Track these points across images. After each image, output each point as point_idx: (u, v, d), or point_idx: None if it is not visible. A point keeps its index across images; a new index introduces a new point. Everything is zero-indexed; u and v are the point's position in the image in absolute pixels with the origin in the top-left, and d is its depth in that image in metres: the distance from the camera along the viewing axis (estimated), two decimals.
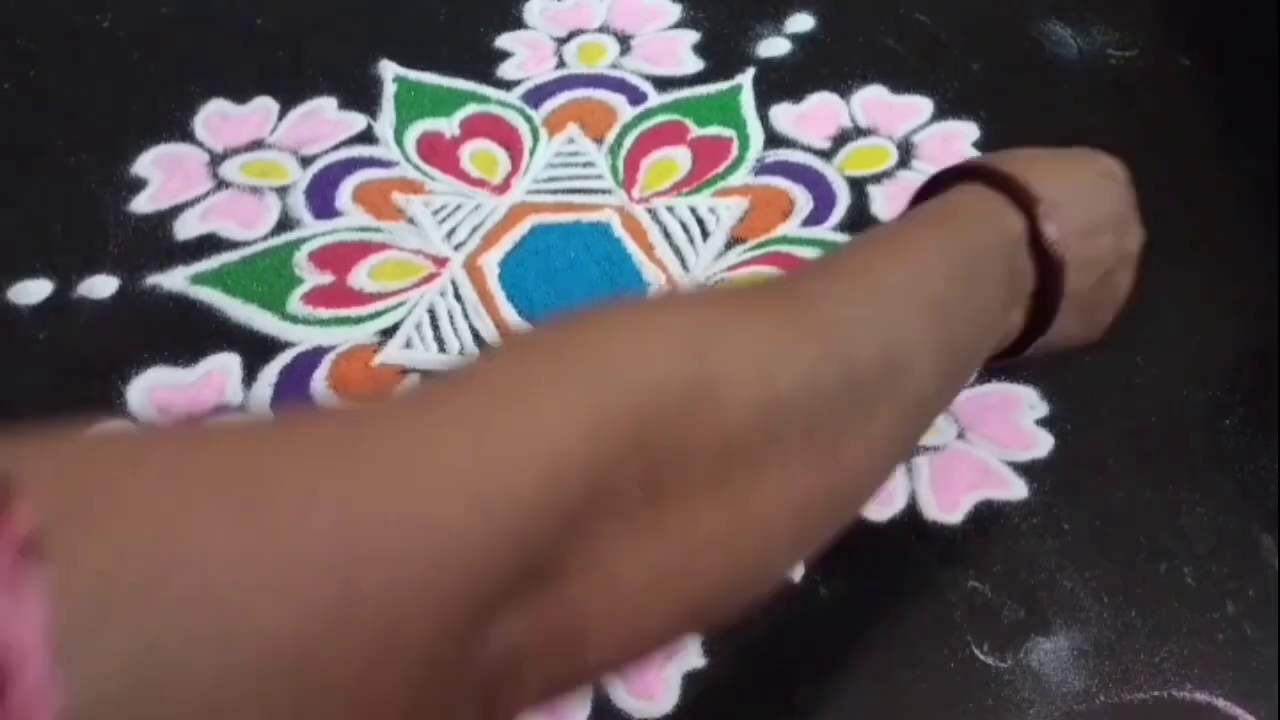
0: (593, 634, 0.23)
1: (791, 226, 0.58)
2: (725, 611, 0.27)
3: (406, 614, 0.19)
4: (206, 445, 0.20)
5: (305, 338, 0.55)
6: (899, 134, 0.63)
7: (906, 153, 0.62)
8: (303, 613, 0.18)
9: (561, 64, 0.67)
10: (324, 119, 0.64)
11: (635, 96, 0.65)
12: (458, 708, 0.21)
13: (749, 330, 0.27)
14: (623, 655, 0.25)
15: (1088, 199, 0.39)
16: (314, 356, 0.54)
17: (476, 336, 0.54)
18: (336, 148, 0.63)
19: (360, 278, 0.57)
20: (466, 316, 0.55)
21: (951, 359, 0.33)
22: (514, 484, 0.21)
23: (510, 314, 0.55)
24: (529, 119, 0.64)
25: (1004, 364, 0.40)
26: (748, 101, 0.64)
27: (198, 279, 0.57)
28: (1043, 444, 0.50)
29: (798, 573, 0.46)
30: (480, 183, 0.61)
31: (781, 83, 0.65)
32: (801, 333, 0.28)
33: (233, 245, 0.58)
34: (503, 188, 0.61)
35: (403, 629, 0.19)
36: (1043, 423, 0.51)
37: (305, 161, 0.62)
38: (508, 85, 0.66)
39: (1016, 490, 0.49)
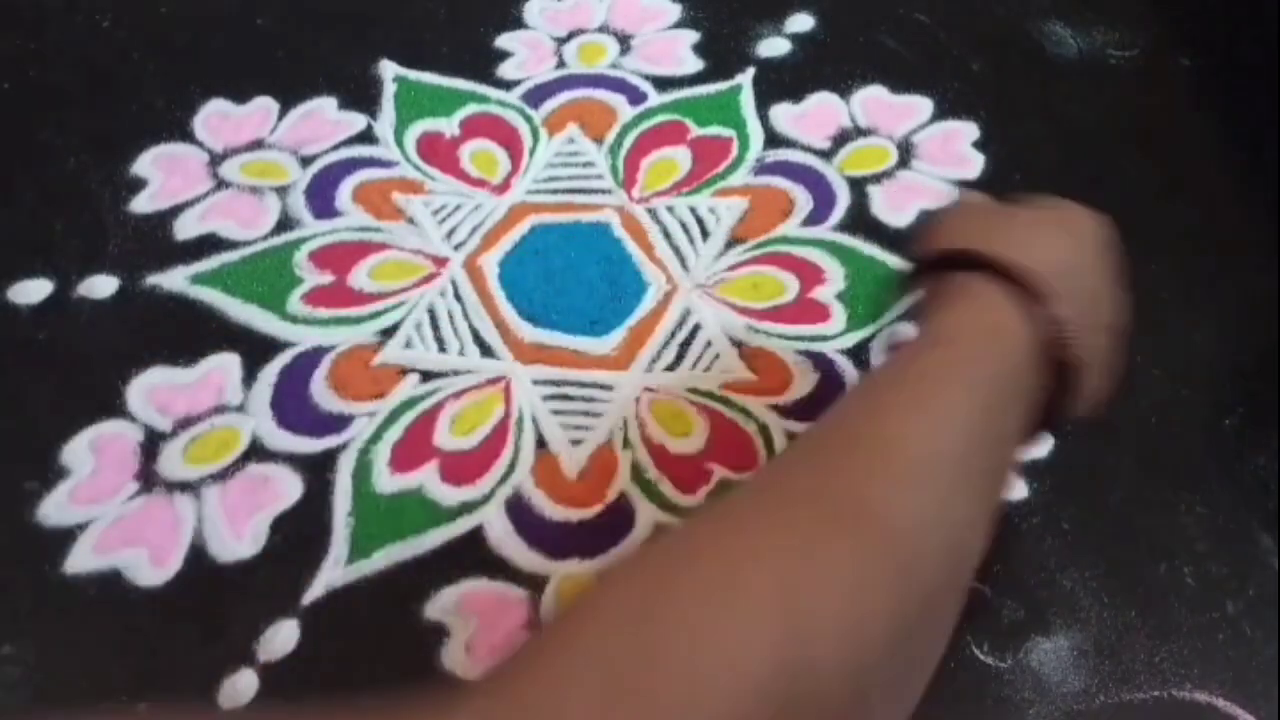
0: None
1: (791, 226, 0.58)
2: None
3: None
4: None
5: (305, 337, 0.55)
6: (899, 134, 0.63)
7: (906, 153, 0.62)
8: None
9: (561, 64, 0.67)
10: (324, 119, 0.64)
11: (635, 96, 0.65)
12: None
13: (833, 577, 0.27)
14: None
15: (1084, 276, 0.38)
16: (314, 356, 0.54)
17: (476, 336, 0.54)
18: (336, 147, 0.63)
19: (360, 277, 0.57)
20: (466, 316, 0.55)
21: (994, 506, 0.32)
22: None
23: (510, 314, 0.55)
24: (529, 119, 0.64)
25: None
26: (747, 101, 0.64)
27: (198, 279, 0.57)
28: (1043, 444, 0.50)
29: None
30: (480, 182, 0.61)
31: (781, 83, 0.65)
32: (878, 560, 0.27)
33: (233, 245, 0.58)
34: (503, 188, 0.61)
35: None
36: None
37: (305, 161, 0.62)
38: (508, 85, 0.66)
39: (1016, 490, 0.49)
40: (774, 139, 0.63)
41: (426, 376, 0.53)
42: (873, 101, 0.64)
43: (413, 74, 0.66)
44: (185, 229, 0.59)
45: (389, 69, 0.67)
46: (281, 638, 0.45)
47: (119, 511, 0.49)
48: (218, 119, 0.64)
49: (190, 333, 0.55)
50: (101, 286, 0.57)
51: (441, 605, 0.46)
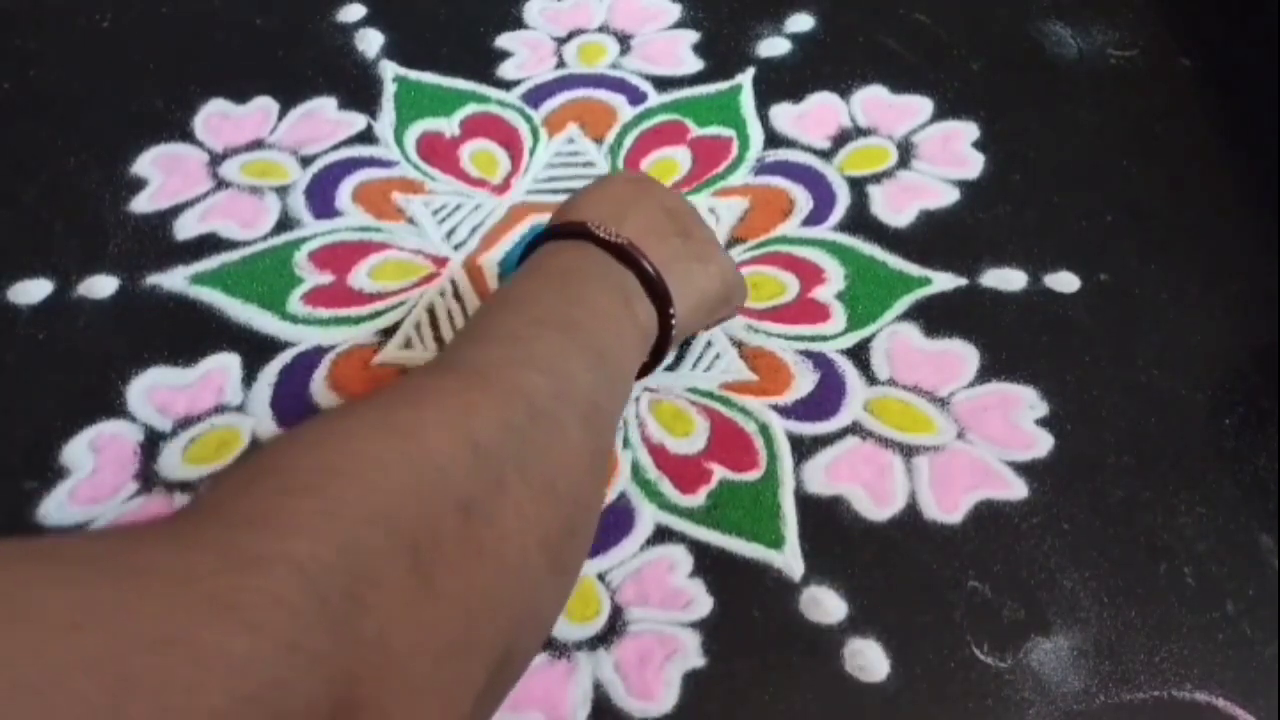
0: (378, 704, 0.24)
1: (791, 226, 0.59)
2: (519, 659, 0.31)
3: None
4: None
5: (305, 338, 0.55)
6: (899, 134, 0.63)
7: (906, 153, 0.62)
8: None
9: (561, 64, 0.67)
10: (324, 119, 0.64)
11: (635, 96, 0.65)
12: None
13: (443, 406, 0.31)
14: None
15: (634, 209, 0.46)
16: (313, 356, 0.54)
17: None
18: (336, 147, 0.63)
19: (360, 277, 0.57)
20: (466, 316, 0.55)
21: (599, 359, 0.38)
22: (270, 590, 0.22)
23: None
24: (529, 119, 0.64)
25: (669, 350, 0.46)
26: (747, 101, 0.64)
27: (198, 279, 0.57)
28: (1043, 444, 0.50)
29: (797, 572, 0.46)
30: (480, 183, 0.61)
31: (781, 82, 0.65)
32: (477, 391, 0.33)
33: (233, 245, 0.58)
34: (503, 188, 0.61)
35: None
36: (1043, 423, 0.51)
37: (305, 161, 0.62)
38: (508, 85, 0.66)
39: (1016, 490, 0.49)
40: (774, 139, 0.63)
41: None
42: (873, 101, 0.64)
43: (413, 74, 0.66)
44: (185, 229, 0.59)
45: (389, 69, 0.67)
46: None
47: (119, 511, 0.49)
48: (218, 119, 0.64)
49: (190, 333, 0.55)
50: (101, 286, 0.57)
51: None
